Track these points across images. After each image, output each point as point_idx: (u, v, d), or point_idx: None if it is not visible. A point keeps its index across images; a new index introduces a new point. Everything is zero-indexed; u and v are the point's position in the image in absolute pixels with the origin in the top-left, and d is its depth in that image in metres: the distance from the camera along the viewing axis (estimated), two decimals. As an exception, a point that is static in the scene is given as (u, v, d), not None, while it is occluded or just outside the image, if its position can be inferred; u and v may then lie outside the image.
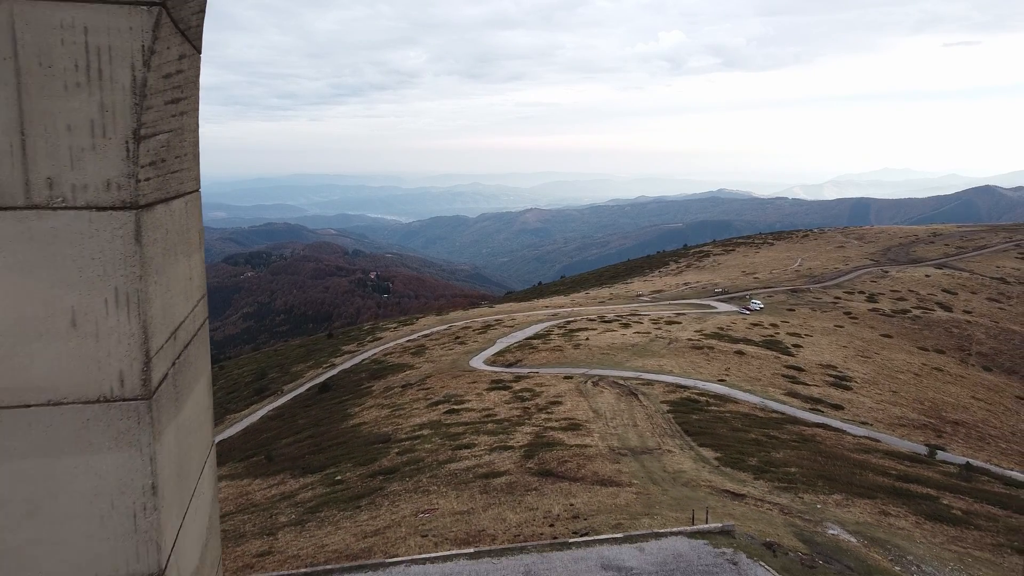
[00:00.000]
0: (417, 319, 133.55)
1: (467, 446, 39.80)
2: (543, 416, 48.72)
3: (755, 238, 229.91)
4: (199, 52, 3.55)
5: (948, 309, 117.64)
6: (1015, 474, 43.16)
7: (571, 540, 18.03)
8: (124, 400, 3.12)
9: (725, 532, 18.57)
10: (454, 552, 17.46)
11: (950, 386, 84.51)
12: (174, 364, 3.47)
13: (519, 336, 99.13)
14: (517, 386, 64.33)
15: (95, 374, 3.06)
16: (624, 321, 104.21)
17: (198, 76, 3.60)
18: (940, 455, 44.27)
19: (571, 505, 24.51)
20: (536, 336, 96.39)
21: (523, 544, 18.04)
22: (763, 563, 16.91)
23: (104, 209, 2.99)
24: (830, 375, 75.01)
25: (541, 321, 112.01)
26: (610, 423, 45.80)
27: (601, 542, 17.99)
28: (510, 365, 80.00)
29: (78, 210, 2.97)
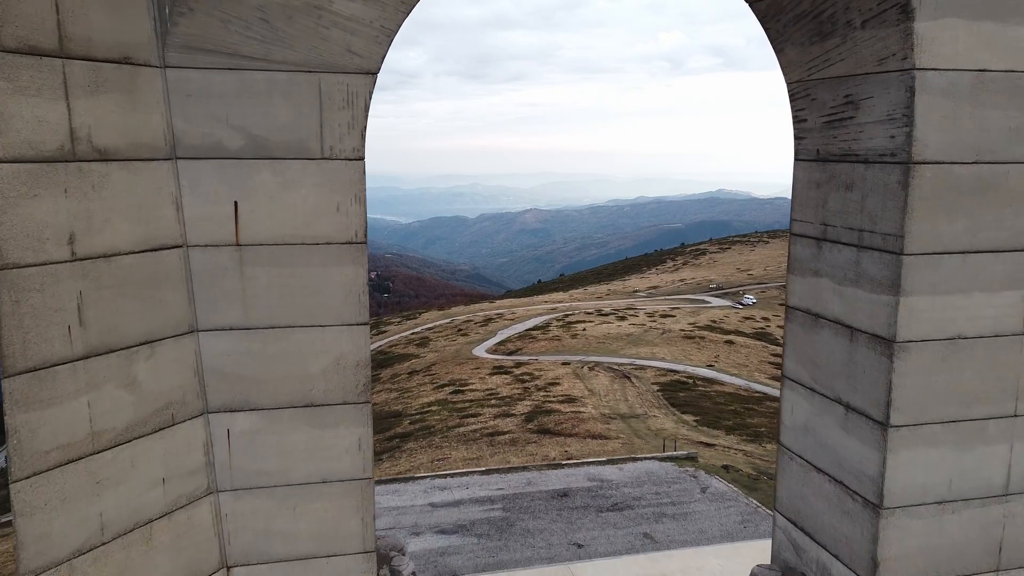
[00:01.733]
0: (420, 314, 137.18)
1: (473, 415, 43.89)
2: (542, 394, 52.78)
3: (751, 236, 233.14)
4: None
5: None
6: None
7: (564, 462, 22.17)
8: (352, 243, 7.24)
9: (690, 458, 22.69)
10: (469, 470, 21.61)
11: None
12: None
13: (519, 328, 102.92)
14: (518, 371, 68.37)
15: (345, 231, 7.18)
16: (621, 314, 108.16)
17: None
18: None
19: (565, 451, 28.57)
20: (535, 328, 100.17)
21: (525, 465, 22.19)
22: (717, 476, 21.04)
23: (350, 160, 7.11)
24: None
25: (540, 315, 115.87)
26: (603, 398, 49.89)
27: (588, 464, 22.16)
28: (511, 353, 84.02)
29: (340, 160, 7.09)
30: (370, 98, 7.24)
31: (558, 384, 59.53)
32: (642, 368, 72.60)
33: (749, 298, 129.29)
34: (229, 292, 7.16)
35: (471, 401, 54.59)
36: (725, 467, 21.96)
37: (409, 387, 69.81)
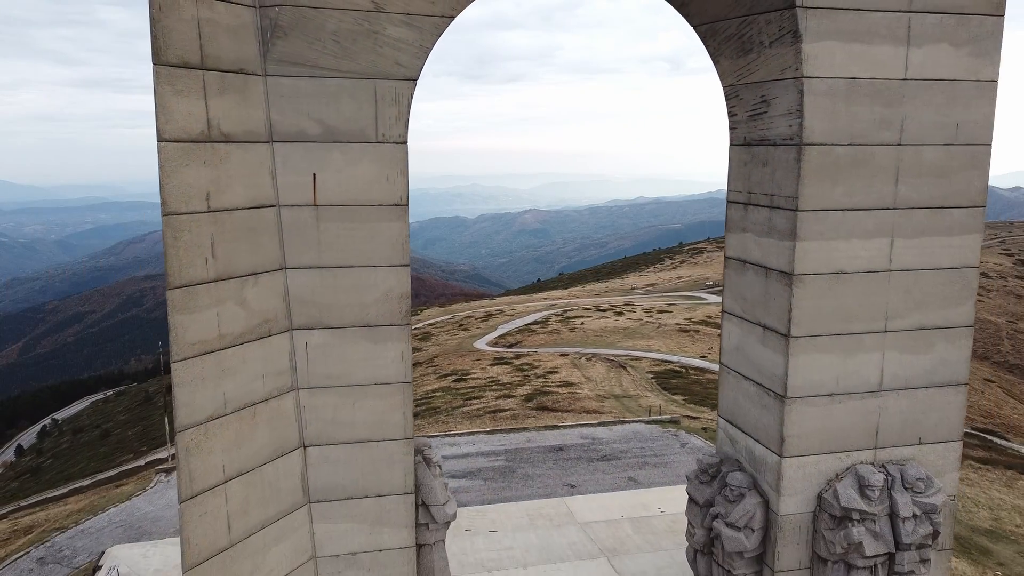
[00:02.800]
0: (421, 311, 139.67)
1: (476, 398, 46.60)
2: (540, 380, 55.44)
3: None
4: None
5: None
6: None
7: (559, 424, 24.82)
8: (398, 205, 9.90)
9: (673, 422, 25.33)
10: (475, 430, 24.25)
11: None
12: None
13: (519, 323, 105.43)
14: (517, 361, 70.99)
15: (392, 196, 9.84)
16: (618, 310, 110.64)
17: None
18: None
19: (563, 421, 31.16)
20: (535, 323, 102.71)
21: (525, 426, 24.82)
22: (697, 435, 23.68)
23: (396, 143, 9.78)
24: None
25: (540, 311, 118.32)
26: (599, 384, 52.55)
27: (581, 426, 24.81)
28: (511, 346, 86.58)
29: (389, 143, 9.75)
30: (411, 97, 9.90)
31: (556, 372, 62.14)
32: (638, 359, 75.17)
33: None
34: (308, 240, 9.81)
35: (473, 387, 57.25)
36: (704, 429, 24.56)
37: (413, 377, 72.18)
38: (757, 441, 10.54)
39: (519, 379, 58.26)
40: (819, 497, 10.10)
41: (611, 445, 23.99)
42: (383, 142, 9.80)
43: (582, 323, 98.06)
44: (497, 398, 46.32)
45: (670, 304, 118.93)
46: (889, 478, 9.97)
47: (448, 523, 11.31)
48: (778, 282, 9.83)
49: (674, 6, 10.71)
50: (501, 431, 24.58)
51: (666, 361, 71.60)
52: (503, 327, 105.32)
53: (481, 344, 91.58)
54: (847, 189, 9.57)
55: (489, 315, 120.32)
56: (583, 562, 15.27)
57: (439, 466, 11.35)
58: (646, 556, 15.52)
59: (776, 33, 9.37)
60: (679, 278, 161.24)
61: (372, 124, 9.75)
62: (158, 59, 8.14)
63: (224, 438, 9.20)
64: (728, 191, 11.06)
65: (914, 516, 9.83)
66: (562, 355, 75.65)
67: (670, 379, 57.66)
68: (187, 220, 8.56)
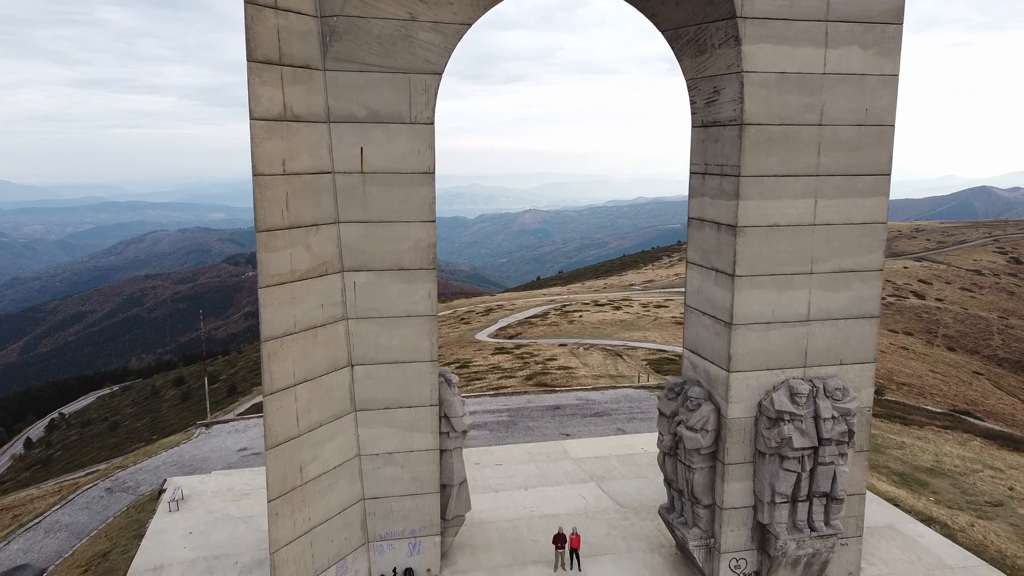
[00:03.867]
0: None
1: (479, 379, 49.22)
2: (540, 366, 57.99)
3: None
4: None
5: (921, 297, 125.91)
6: (925, 406, 52.43)
7: (557, 388, 27.48)
8: (427, 173, 12.59)
9: (661, 387, 27.95)
10: (481, 394, 26.87)
11: (911, 361, 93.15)
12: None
13: (519, 316, 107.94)
14: (518, 351, 73.53)
15: (422, 166, 12.54)
16: (616, 305, 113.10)
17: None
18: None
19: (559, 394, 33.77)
20: (535, 316, 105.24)
21: (525, 391, 27.47)
22: None
23: (426, 124, 12.47)
24: None
25: (539, 306, 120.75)
26: (596, 368, 55.14)
27: (577, 390, 27.48)
28: (511, 337, 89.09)
29: (420, 124, 12.45)
30: (438, 87, 12.57)
31: (555, 359, 64.68)
32: (634, 348, 77.69)
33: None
34: (356, 200, 12.48)
35: (476, 372, 59.84)
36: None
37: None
38: (712, 362, 13.24)
39: (519, 365, 60.93)
40: (759, 404, 12.79)
41: (603, 405, 26.68)
42: (415, 123, 12.49)
43: (580, 316, 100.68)
44: (499, 379, 49.07)
45: (667, 299, 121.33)
46: (814, 388, 12.66)
47: (465, 432, 13.99)
48: (726, 234, 12.53)
49: (645, 15, 13.42)
50: (504, 395, 27.29)
51: (661, 350, 74.14)
52: (503, 320, 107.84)
53: (482, 336, 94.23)
54: (779, 159, 12.27)
55: (489, 309, 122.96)
56: (575, 485, 17.95)
57: (457, 387, 14.04)
58: (629, 481, 18.19)
59: (723, 37, 12.08)
60: (677, 275, 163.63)
61: (407, 108, 12.43)
62: (251, 57, 10.81)
63: (294, 351, 11.88)
64: (690, 164, 13.76)
65: (833, 418, 12.52)
66: (561, 345, 78.19)
67: (664, 365, 60.23)
68: (269, 180, 11.24)
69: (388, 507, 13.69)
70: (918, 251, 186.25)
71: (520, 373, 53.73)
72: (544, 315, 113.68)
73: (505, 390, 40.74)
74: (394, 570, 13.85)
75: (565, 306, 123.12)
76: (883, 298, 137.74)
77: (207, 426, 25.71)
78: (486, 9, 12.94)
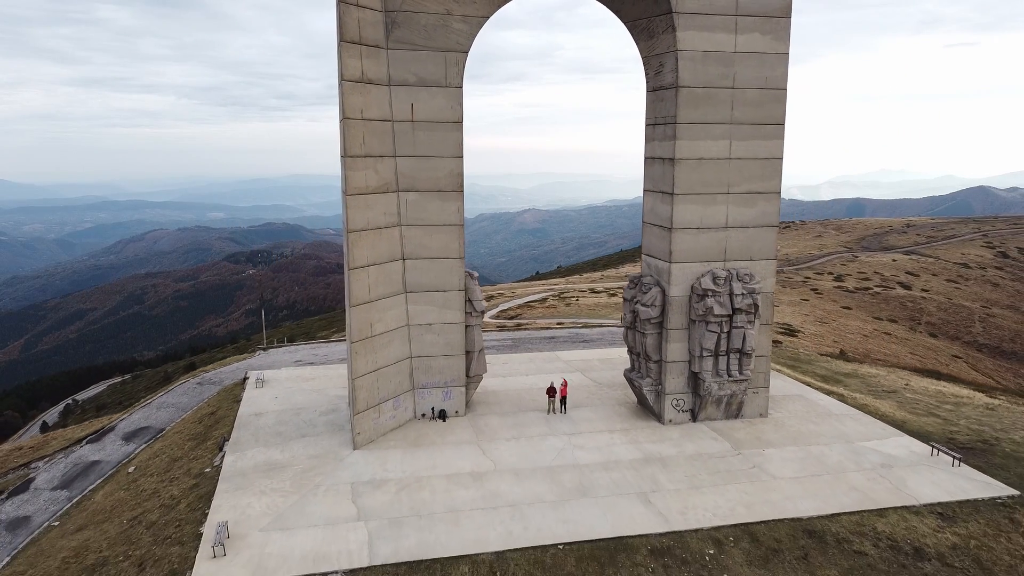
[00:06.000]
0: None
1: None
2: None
3: None
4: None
5: (907, 288, 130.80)
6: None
7: (553, 326, 32.85)
8: (458, 122, 17.98)
9: None
10: (485, 329, 32.21)
11: (892, 345, 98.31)
12: (463, 119, 18.32)
13: (519, 301, 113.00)
14: (518, 330, 78.58)
15: (454, 116, 17.94)
16: (612, 292, 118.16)
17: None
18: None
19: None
20: (534, 301, 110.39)
21: (527, 327, 32.82)
22: None
23: (457, 87, 17.85)
24: (784, 329, 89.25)
25: (538, 293, 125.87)
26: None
27: (569, 326, 32.82)
28: (511, 318, 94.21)
29: (453, 87, 17.85)
30: (465, 61, 17.89)
31: (551, 330, 69.31)
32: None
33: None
34: (408, 141, 17.82)
35: (480, 340, 64.54)
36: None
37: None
38: (659, 259, 18.62)
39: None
40: (692, 286, 18.15)
41: (591, 336, 32.08)
42: (449, 86, 17.83)
43: (577, 300, 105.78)
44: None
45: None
46: (731, 274, 18.02)
47: (483, 312, 19.33)
48: (668, 166, 17.89)
49: (611, 10, 18.79)
50: (508, 330, 32.56)
51: (651, 326, 78.71)
52: (504, 304, 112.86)
53: (485, 318, 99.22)
54: (704, 112, 17.63)
55: (490, 296, 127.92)
56: (565, 373, 23.34)
57: (478, 279, 19.40)
58: (606, 372, 23.60)
59: (664, 27, 17.46)
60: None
61: (443, 76, 17.76)
62: (342, 39, 16.14)
63: (367, 241, 17.22)
64: (645, 118, 19.11)
65: (742, 294, 17.88)
66: (558, 324, 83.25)
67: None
68: (353, 122, 16.58)
69: (428, 364, 19.05)
70: (908, 245, 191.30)
71: (520, 338, 57.98)
72: (543, 300, 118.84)
73: (506, 327, 45.80)
74: (432, 409, 19.20)
75: (563, 293, 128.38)
76: (870, 288, 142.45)
77: (264, 348, 30.98)
78: (500, 6, 18.28)
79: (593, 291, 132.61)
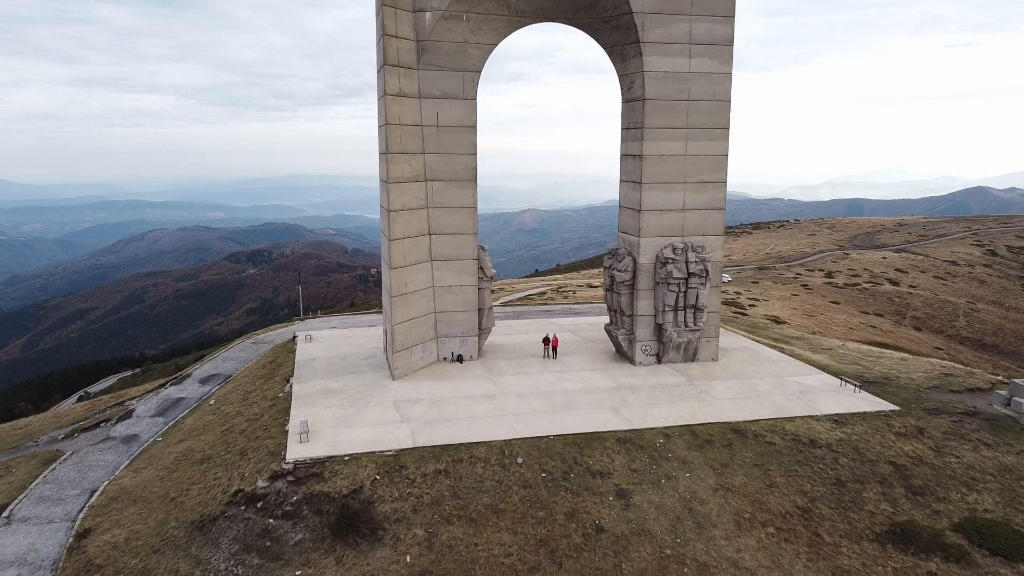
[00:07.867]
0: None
1: None
2: None
3: (735, 228, 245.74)
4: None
5: (895, 284, 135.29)
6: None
7: (550, 305, 37.92)
8: (472, 126, 23.01)
9: None
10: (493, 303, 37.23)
11: (876, 337, 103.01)
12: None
13: (519, 295, 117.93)
14: (520, 306, 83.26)
15: (470, 121, 22.98)
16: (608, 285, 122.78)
17: (478, 81, 23.38)
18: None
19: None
20: (533, 294, 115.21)
21: (527, 303, 37.88)
22: None
23: (472, 99, 22.86)
24: (771, 320, 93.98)
25: (538, 287, 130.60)
26: None
27: (565, 305, 37.85)
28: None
29: (469, 99, 22.87)
30: (479, 78, 22.87)
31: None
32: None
33: (725, 276, 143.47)
34: (434, 141, 22.84)
35: (483, 326, 69.22)
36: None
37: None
38: (631, 234, 23.66)
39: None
40: (656, 256, 23.18)
41: (582, 310, 37.15)
42: (466, 98, 22.84)
43: (575, 293, 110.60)
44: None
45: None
46: (687, 246, 23.03)
47: (492, 278, 24.31)
48: (638, 161, 22.93)
49: (593, 38, 23.83)
50: (510, 304, 37.66)
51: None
52: (505, 297, 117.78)
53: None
54: (665, 120, 22.66)
55: (491, 292, 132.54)
56: (558, 333, 28.35)
57: (487, 251, 24.45)
58: (593, 331, 28.66)
59: (634, 53, 22.50)
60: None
61: (462, 90, 22.75)
62: (385, 62, 21.11)
63: (403, 219, 22.21)
64: (621, 123, 24.13)
65: (696, 261, 22.91)
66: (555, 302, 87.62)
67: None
68: (393, 127, 21.57)
69: (448, 318, 24.05)
70: (899, 244, 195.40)
71: (520, 322, 62.54)
72: (542, 294, 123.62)
73: (510, 304, 50.62)
74: (452, 353, 24.21)
75: (561, 287, 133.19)
76: (858, 284, 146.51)
77: (302, 319, 36.00)
78: (507, 35, 23.24)
79: (591, 285, 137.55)
